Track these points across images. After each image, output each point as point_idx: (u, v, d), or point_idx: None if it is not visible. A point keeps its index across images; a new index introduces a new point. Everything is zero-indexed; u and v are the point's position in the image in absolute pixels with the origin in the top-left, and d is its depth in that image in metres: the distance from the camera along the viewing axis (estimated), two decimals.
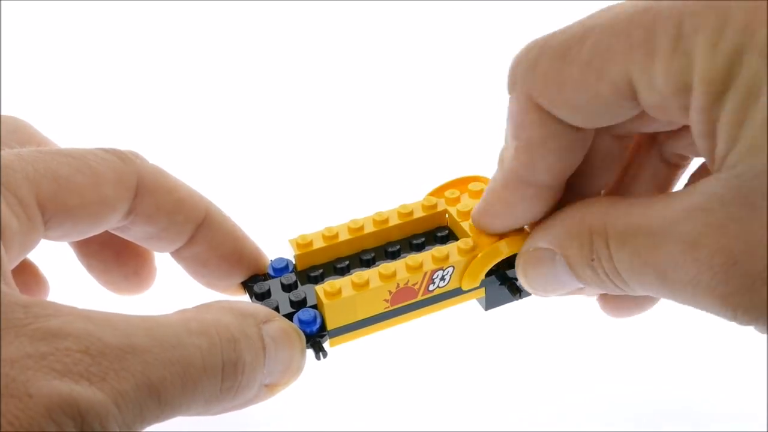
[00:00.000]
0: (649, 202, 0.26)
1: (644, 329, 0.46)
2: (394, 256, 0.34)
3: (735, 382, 0.43)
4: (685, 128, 0.27)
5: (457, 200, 0.35)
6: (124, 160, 0.29)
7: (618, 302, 0.33)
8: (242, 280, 0.34)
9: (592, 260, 0.27)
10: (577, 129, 0.27)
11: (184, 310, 0.26)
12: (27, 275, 0.34)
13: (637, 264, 0.26)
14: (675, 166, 0.32)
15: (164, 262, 0.34)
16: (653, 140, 0.32)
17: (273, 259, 0.34)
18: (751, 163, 0.22)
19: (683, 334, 0.46)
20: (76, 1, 0.77)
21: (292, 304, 0.32)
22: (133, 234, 0.31)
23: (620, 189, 0.33)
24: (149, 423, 0.23)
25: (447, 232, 0.35)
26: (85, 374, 0.21)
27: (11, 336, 0.21)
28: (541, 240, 0.30)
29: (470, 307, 0.34)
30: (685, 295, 0.25)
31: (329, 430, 0.42)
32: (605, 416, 0.42)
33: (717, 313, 0.24)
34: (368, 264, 0.34)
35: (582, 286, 0.29)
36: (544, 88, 0.26)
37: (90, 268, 0.35)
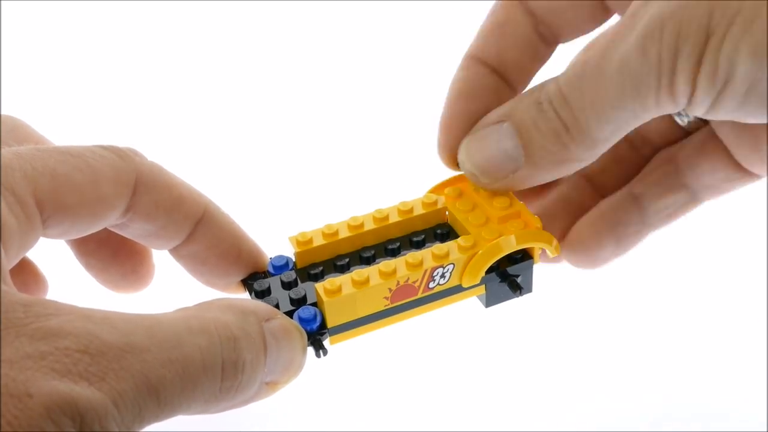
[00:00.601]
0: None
1: (644, 329, 0.46)
2: (394, 253, 0.34)
3: (735, 382, 0.43)
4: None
5: (457, 197, 0.35)
6: (122, 157, 0.29)
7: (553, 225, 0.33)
8: (242, 277, 0.34)
9: (539, 99, 0.27)
10: (539, 32, 0.30)
11: (184, 309, 0.26)
12: (26, 274, 0.33)
13: (578, 68, 0.26)
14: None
15: (164, 261, 0.34)
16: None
17: (273, 257, 0.34)
18: None
19: (683, 334, 0.46)
20: (76, 0, 0.77)
21: (292, 301, 0.32)
22: (132, 231, 0.31)
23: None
24: (148, 422, 0.23)
25: (447, 229, 0.35)
26: (84, 374, 0.21)
27: (11, 335, 0.21)
28: (490, 116, 0.30)
29: (470, 304, 0.34)
30: (620, 55, 0.25)
31: (329, 429, 0.42)
32: (605, 416, 0.42)
33: (646, 52, 0.25)
34: (368, 261, 0.34)
35: (522, 159, 0.29)
36: None
37: (88, 266, 0.34)
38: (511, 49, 0.30)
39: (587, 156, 0.28)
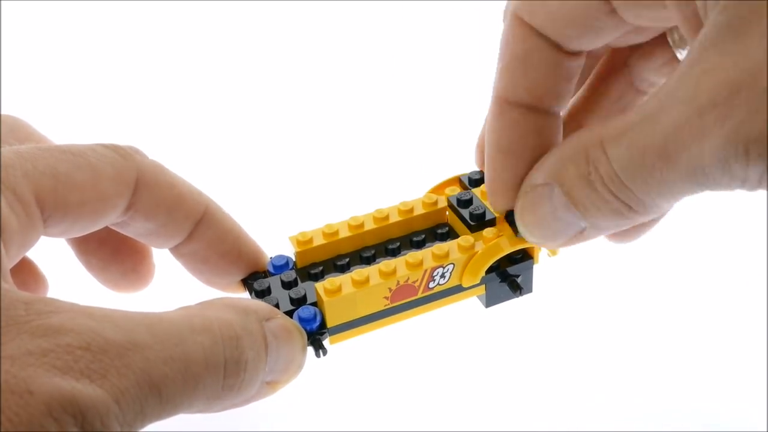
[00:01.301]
0: (644, 104, 0.24)
1: (644, 329, 0.46)
2: (394, 253, 0.34)
3: (735, 382, 0.43)
4: (658, 48, 0.27)
5: None
6: (123, 155, 0.29)
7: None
8: (242, 277, 0.34)
9: (590, 174, 0.25)
10: (560, 49, 0.27)
11: (187, 307, 0.26)
12: (26, 273, 0.33)
13: (636, 152, 0.23)
14: (642, 93, 0.32)
15: (164, 260, 0.34)
16: (624, 64, 0.32)
17: (273, 257, 0.34)
18: (734, 2, 0.21)
19: (683, 334, 0.46)
20: (76, 0, 0.77)
21: (292, 301, 0.32)
22: (133, 230, 0.31)
23: (586, 108, 0.33)
24: (150, 420, 0.23)
25: (447, 229, 0.35)
26: (86, 371, 0.21)
27: (12, 333, 0.21)
28: (536, 176, 0.28)
29: (471, 304, 0.34)
30: (691, 157, 0.22)
31: (329, 428, 0.42)
32: (605, 416, 0.42)
33: (726, 164, 0.21)
34: (368, 261, 0.34)
35: (583, 223, 0.27)
36: (528, 2, 0.27)
37: (88, 265, 0.34)
38: (542, 80, 0.28)
39: (644, 219, 0.26)
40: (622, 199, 0.25)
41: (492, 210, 0.32)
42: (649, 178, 0.24)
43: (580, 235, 0.28)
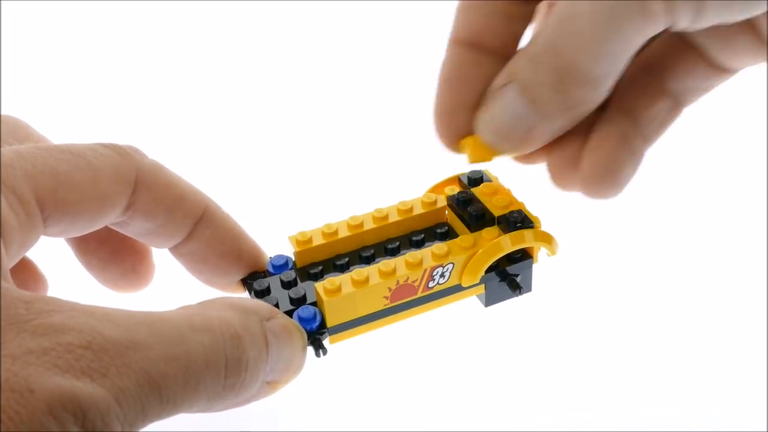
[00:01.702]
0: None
1: (644, 328, 0.46)
2: (393, 252, 0.34)
3: (735, 382, 0.43)
4: None
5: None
6: (122, 155, 0.29)
7: (564, 169, 0.31)
8: (241, 277, 0.34)
9: (535, 56, 0.27)
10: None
11: (187, 306, 0.26)
12: (25, 273, 0.33)
13: (569, 30, 0.26)
14: None
15: (164, 261, 0.34)
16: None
17: (272, 256, 0.34)
18: None
19: (683, 334, 0.46)
20: (76, 0, 0.77)
21: (292, 301, 0.32)
22: (132, 229, 0.31)
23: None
24: (151, 419, 0.23)
25: (446, 228, 0.35)
26: (86, 370, 0.21)
27: (13, 332, 0.21)
28: (498, 80, 0.29)
29: (470, 303, 0.34)
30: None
31: (329, 428, 0.42)
32: (605, 416, 0.42)
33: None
34: (368, 261, 0.34)
35: (535, 116, 0.29)
36: None
37: (88, 265, 0.34)
38: (491, 23, 0.30)
39: (594, 95, 0.28)
40: (557, 65, 0.27)
41: (438, 137, 0.33)
42: (570, 31, 0.26)
43: (533, 134, 0.29)
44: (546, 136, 0.30)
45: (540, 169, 0.31)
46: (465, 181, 0.36)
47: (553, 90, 0.28)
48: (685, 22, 0.26)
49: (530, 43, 0.29)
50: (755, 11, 0.26)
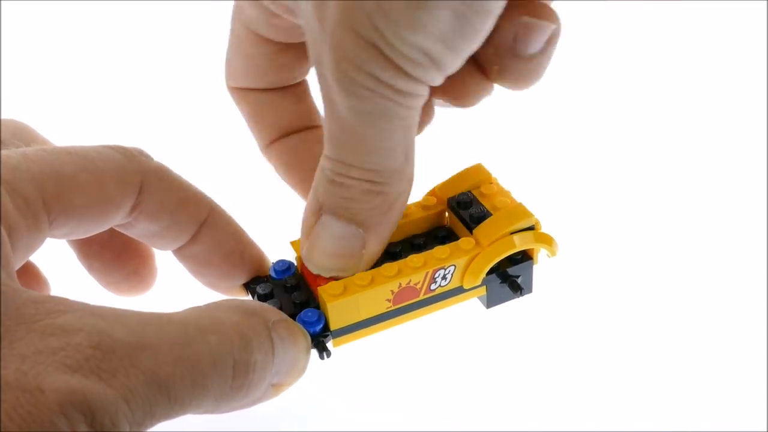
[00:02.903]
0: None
1: (645, 329, 0.46)
2: (395, 256, 0.34)
3: (735, 382, 0.43)
4: None
5: None
6: (128, 157, 0.29)
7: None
8: (244, 281, 0.34)
9: (330, 178, 0.28)
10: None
11: (195, 308, 0.26)
12: (28, 276, 0.33)
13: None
14: None
15: (167, 264, 0.34)
16: None
17: (275, 262, 0.34)
18: None
19: (683, 334, 0.46)
20: (76, 0, 0.76)
21: (295, 305, 0.32)
22: (136, 231, 0.31)
23: None
24: (159, 420, 0.23)
25: (447, 231, 0.35)
26: (95, 370, 0.21)
27: (22, 331, 0.21)
28: (307, 218, 0.31)
29: (472, 305, 0.34)
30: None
31: (332, 429, 0.42)
32: (605, 416, 0.42)
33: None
34: None
35: (360, 231, 0.29)
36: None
37: (91, 269, 0.34)
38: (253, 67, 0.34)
39: (404, 183, 0.29)
40: (353, 176, 0.28)
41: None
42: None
43: (369, 248, 0.30)
44: (379, 246, 0.31)
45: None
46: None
47: (365, 198, 0.29)
48: None
49: (323, 159, 0.29)
50: None
